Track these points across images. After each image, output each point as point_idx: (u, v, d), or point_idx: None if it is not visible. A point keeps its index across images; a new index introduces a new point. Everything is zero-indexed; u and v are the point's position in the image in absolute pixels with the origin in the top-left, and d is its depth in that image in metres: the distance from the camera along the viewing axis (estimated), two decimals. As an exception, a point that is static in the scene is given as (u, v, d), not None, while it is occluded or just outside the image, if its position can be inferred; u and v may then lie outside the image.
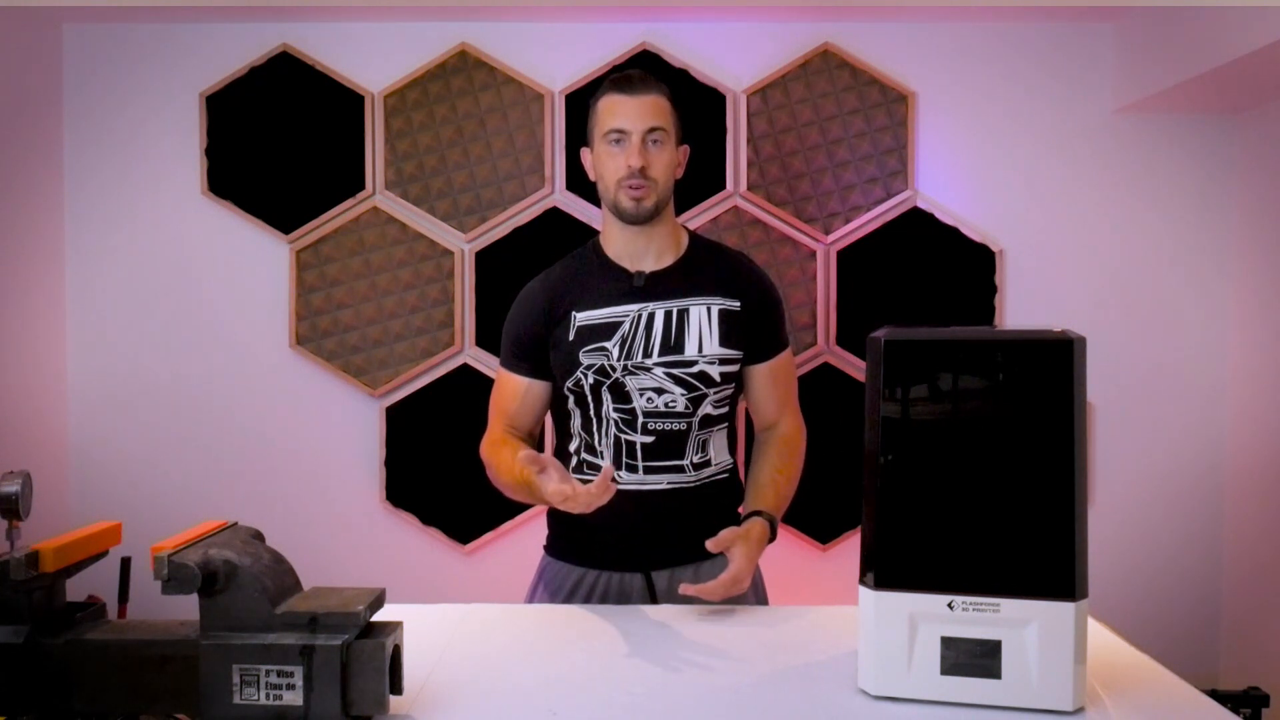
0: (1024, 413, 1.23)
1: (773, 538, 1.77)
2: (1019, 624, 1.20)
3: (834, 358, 2.82)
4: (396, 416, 2.84)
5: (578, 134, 1.90)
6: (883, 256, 2.81)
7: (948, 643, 1.22)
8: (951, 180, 2.82)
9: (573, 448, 1.86)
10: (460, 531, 2.84)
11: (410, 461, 2.84)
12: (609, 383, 1.78)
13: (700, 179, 2.78)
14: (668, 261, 1.85)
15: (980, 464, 1.23)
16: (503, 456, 1.80)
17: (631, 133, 1.77)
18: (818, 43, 2.79)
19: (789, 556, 2.81)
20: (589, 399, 1.81)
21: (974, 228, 2.81)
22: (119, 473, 2.85)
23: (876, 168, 2.80)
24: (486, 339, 2.79)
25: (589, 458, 1.83)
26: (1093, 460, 2.84)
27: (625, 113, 1.78)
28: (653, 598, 1.82)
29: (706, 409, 1.81)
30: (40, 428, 2.75)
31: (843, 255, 2.81)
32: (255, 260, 2.84)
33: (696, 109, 2.77)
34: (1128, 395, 2.85)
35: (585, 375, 1.79)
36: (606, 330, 1.79)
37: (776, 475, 1.87)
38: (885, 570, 1.24)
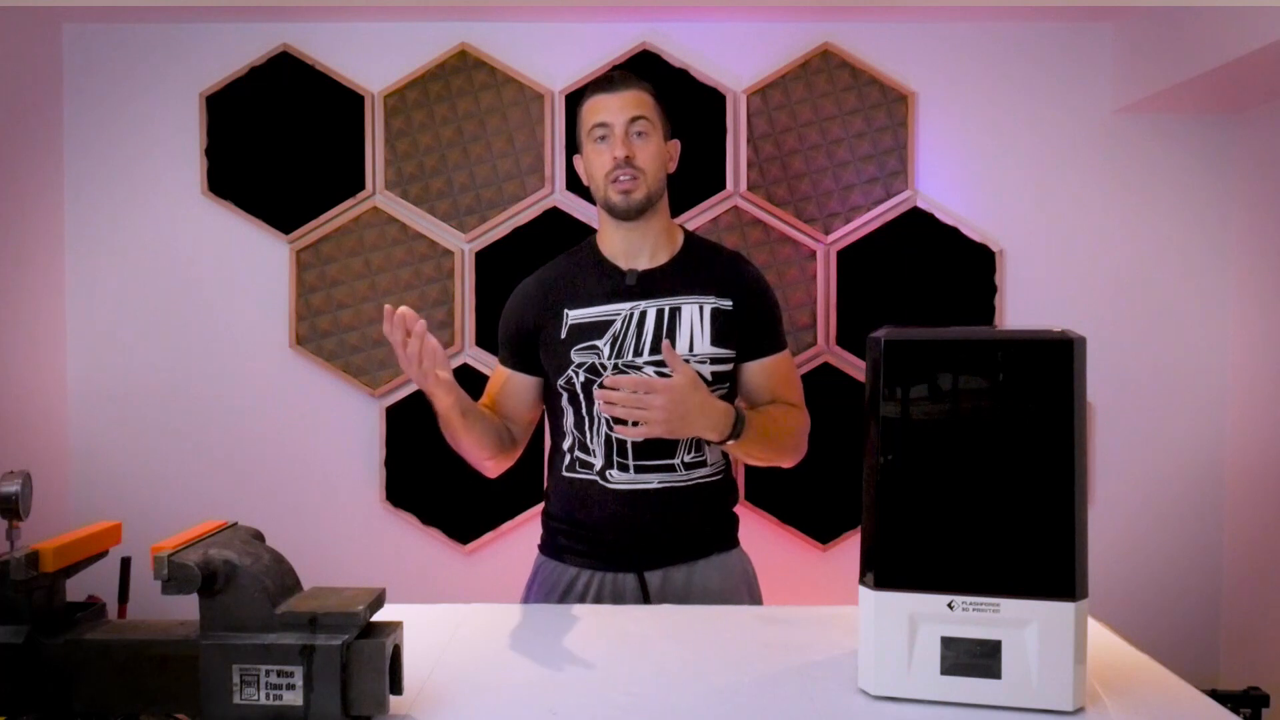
0: (1024, 413, 1.22)
1: (734, 434, 1.73)
2: (1019, 624, 1.20)
3: (834, 358, 2.82)
4: (396, 416, 2.84)
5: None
6: (883, 256, 2.81)
7: (948, 643, 1.22)
8: (951, 180, 2.82)
9: (566, 445, 1.87)
10: (460, 531, 2.84)
11: (410, 461, 2.84)
12: (600, 381, 1.79)
13: (700, 179, 2.78)
14: (662, 260, 1.86)
15: (980, 464, 1.23)
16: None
17: (614, 125, 1.79)
18: (818, 43, 2.79)
19: (789, 556, 2.81)
20: (580, 397, 1.81)
21: (974, 228, 2.81)
22: (119, 473, 2.84)
23: (876, 168, 2.80)
24: (486, 339, 2.79)
25: (582, 455, 1.84)
26: (1093, 460, 2.84)
27: (606, 107, 1.80)
28: (646, 598, 1.82)
29: None
30: (40, 428, 2.75)
31: (843, 255, 2.81)
32: (255, 260, 2.84)
33: (696, 109, 2.77)
34: (1128, 395, 2.84)
35: (576, 373, 1.80)
36: (598, 329, 1.80)
37: (771, 409, 1.85)
38: (885, 570, 1.24)
